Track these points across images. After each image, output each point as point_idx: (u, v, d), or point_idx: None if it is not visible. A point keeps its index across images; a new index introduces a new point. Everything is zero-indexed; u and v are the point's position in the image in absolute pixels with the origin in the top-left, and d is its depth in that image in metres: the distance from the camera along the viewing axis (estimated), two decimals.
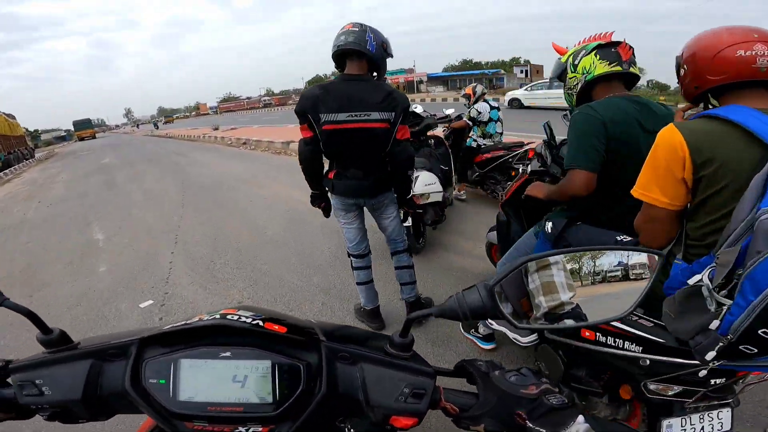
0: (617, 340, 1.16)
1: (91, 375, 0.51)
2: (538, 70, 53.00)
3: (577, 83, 1.57)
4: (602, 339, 1.20)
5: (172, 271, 3.64)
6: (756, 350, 0.79)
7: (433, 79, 50.51)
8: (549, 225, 1.63)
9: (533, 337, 1.68)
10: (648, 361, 1.09)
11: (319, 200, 2.23)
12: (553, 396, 0.49)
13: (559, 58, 1.73)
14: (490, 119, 4.39)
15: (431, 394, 0.50)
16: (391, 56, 2.00)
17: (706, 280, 0.86)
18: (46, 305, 3.26)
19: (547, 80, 16.54)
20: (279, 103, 61.74)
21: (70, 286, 3.60)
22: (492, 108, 4.42)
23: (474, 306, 0.50)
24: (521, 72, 50.86)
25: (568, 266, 0.53)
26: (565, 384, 1.40)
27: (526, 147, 4.18)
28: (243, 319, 0.51)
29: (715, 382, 1.02)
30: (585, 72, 1.53)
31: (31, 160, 22.77)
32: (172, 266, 3.75)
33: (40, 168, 17.81)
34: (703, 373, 1.00)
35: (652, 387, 1.11)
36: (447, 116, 4.59)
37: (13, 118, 23.81)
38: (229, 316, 0.51)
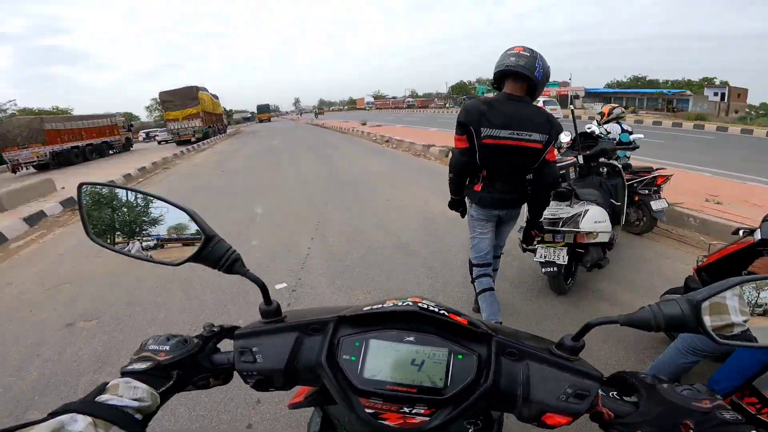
0: None
1: (295, 347, 0.55)
2: (740, 93, 42.70)
3: None
4: None
5: (308, 258, 3.84)
6: None
7: (592, 95, 44.78)
8: None
9: None
10: None
11: (458, 206, 2.37)
12: (727, 412, 0.46)
13: None
14: (621, 142, 4.16)
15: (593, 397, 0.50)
16: (548, 82, 2.04)
17: None
18: (201, 268, 3.77)
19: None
20: (421, 105, 63.42)
21: None
22: (623, 131, 4.22)
23: (672, 317, 0.49)
24: (715, 94, 41.69)
25: (745, 297, 0.49)
26: None
27: (655, 173, 3.93)
28: (432, 308, 0.53)
29: None
30: None
31: (222, 135, 28.12)
32: (310, 252, 3.97)
33: (228, 142, 21.82)
34: None
35: None
36: (631, 143, 3.76)
37: (217, 98, 29.69)
38: (419, 304, 0.53)
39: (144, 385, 0.47)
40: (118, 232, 0.61)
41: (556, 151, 2.16)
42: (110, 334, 2.79)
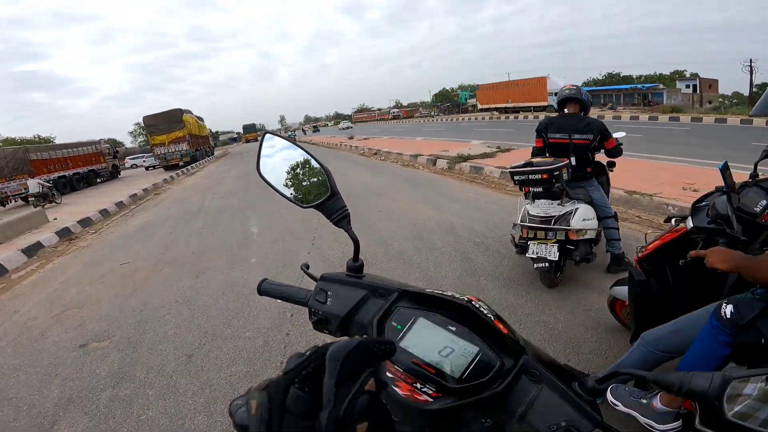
0: None
1: (360, 302, 0.64)
2: (711, 84, 44.05)
3: None
4: None
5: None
6: None
7: None
8: (729, 309, 1.25)
9: (675, 424, 1.39)
10: None
11: None
12: None
13: None
14: None
15: None
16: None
17: None
18: (206, 286, 3.92)
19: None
20: (407, 116, 63.00)
21: (227, 273, 4.24)
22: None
23: (697, 390, 0.53)
24: (687, 86, 42.96)
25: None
26: None
27: None
28: (483, 309, 0.58)
29: None
30: None
31: (210, 157, 28.08)
32: (309, 257, 4.11)
33: (217, 164, 21.81)
34: None
35: None
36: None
37: (202, 120, 29.71)
38: (473, 303, 0.58)
39: None
40: (276, 174, 0.80)
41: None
42: (124, 351, 2.92)
